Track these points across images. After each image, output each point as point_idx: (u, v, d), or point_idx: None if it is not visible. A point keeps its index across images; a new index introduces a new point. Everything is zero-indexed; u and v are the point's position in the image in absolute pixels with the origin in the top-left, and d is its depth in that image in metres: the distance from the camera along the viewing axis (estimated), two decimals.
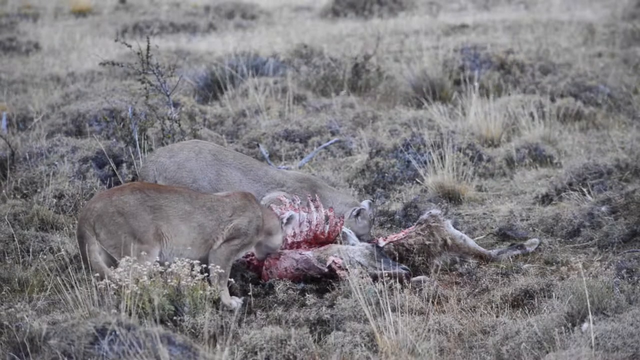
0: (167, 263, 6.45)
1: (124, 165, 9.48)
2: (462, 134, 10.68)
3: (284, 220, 7.03)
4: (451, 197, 9.32)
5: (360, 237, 7.74)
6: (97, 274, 6.36)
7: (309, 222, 7.26)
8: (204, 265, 6.55)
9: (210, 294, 6.47)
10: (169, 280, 6.34)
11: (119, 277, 6.16)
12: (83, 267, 6.64)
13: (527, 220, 8.66)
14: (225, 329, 6.17)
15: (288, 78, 13.26)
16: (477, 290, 7.08)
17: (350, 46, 16.94)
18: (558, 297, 6.45)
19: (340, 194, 8.10)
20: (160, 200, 6.63)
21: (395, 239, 7.51)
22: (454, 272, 7.49)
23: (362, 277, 6.76)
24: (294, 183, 7.91)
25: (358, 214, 7.84)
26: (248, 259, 7.24)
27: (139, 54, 9.41)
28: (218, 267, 6.62)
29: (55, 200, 8.82)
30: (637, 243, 7.82)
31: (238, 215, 6.83)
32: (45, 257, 7.65)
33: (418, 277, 7.15)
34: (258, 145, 10.37)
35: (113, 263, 6.49)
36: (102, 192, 6.69)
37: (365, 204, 8.00)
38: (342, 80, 13.76)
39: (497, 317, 6.50)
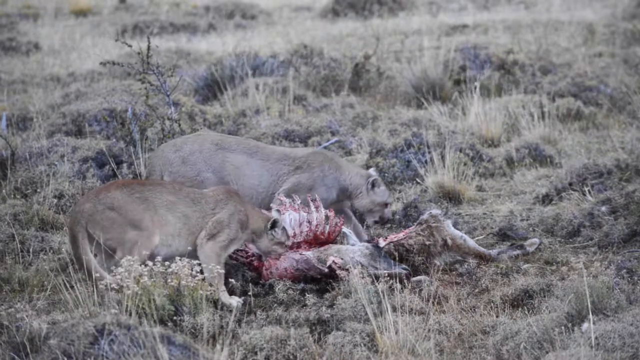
0: (160, 259, 6.45)
1: (124, 165, 9.48)
2: (462, 134, 10.68)
3: (268, 225, 7.02)
4: (451, 197, 9.32)
5: (386, 204, 8.03)
6: (97, 274, 6.36)
7: (309, 222, 7.25)
8: (204, 266, 6.57)
9: (210, 294, 6.48)
10: (169, 280, 6.34)
11: (119, 277, 6.17)
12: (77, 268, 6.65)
13: (527, 220, 8.66)
14: (224, 329, 6.17)
15: (288, 78, 13.26)
16: (477, 290, 7.07)
17: (350, 46, 16.94)
18: (558, 297, 6.45)
19: (354, 165, 8.19)
20: (145, 192, 6.72)
21: (395, 239, 7.51)
22: (454, 272, 7.48)
23: (362, 277, 6.76)
24: (308, 157, 7.91)
25: (373, 185, 8.02)
26: (248, 260, 7.24)
27: (139, 54, 9.41)
28: (217, 266, 6.64)
29: (55, 200, 8.83)
30: (637, 243, 7.82)
31: (220, 208, 6.90)
32: (45, 257, 7.65)
33: (418, 277, 7.15)
34: None
35: (109, 263, 6.51)
36: (88, 193, 6.76)
37: (372, 171, 8.22)
38: (342, 80, 13.76)
39: (497, 317, 6.49)
